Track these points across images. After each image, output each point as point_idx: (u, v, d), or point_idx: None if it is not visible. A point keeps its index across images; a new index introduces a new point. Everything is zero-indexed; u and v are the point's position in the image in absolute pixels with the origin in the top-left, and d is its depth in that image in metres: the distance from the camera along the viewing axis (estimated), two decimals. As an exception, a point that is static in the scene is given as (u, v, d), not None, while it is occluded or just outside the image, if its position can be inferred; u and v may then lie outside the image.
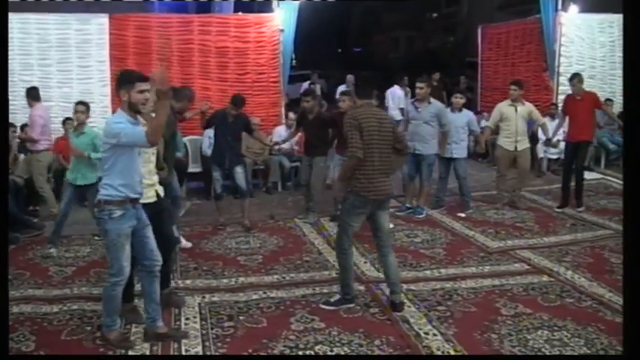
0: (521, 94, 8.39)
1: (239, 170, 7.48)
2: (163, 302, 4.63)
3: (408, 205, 8.24)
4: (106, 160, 4.13)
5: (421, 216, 8.00)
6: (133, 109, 4.15)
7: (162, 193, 4.90)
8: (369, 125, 4.78)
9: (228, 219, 7.80)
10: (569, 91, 8.54)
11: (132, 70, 4.39)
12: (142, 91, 4.11)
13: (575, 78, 8.24)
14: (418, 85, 7.96)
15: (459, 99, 8.33)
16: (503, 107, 8.40)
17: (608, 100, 10.53)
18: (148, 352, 4.29)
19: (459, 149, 8.21)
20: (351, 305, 5.02)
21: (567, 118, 8.47)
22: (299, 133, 8.61)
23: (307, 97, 7.93)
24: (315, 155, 7.81)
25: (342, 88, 12.34)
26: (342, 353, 4.25)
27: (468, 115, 8.41)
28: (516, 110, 8.26)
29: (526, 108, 8.35)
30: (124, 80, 4.19)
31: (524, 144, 8.38)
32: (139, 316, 4.73)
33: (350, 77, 12.71)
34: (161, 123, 3.95)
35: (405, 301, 5.12)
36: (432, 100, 7.99)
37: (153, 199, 4.70)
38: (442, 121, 7.89)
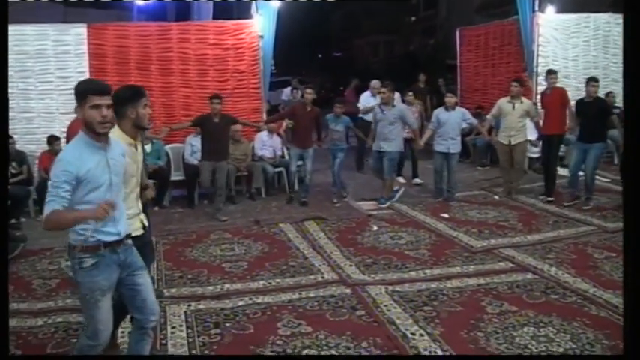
0: (522, 92, 8.84)
1: None
2: None
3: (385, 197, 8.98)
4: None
5: (384, 205, 8.70)
6: (91, 129, 3.28)
7: (146, 223, 4.07)
8: None
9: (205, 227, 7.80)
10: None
11: (89, 80, 3.77)
12: (96, 106, 3.23)
13: (551, 73, 8.90)
14: (381, 90, 8.74)
15: (450, 98, 8.95)
16: (503, 103, 8.91)
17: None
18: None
19: (454, 145, 8.84)
20: None
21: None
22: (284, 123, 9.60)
23: (309, 89, 9.11)
24: (307, 147, 8.87)
25: (366, 94, 12.11)
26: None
27: (461, 112, 9.03)
28: (514, 107, 8.70)
29: (524, 105, 8.75)
30: (76, 94, 3.31)
31: (519, 138, 8.78)
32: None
33: (375, 82, 12.37)
34: (58, 224, 3.18)
35: (391, 302, 5.15)
36: (395, 103, 8.87)
37: (140, 232, 3.94)
38: (407, 121, 8.79)
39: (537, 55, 11.07)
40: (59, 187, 3.12)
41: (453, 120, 8.77)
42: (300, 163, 9.13)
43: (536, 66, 11.04)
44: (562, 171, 10.41)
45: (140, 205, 4.01)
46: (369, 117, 10.58)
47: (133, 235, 3.76)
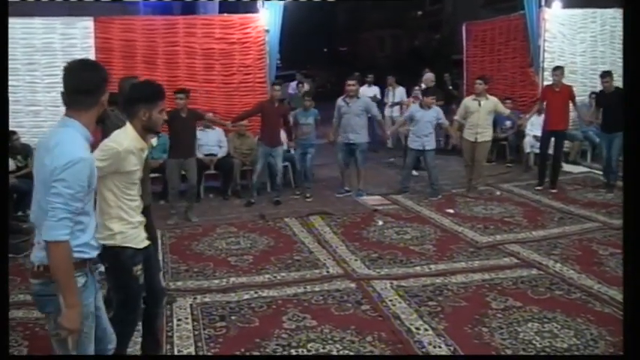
0: (486, 89, 8.94)
1: None
2: None
3: (346, 189, 9.27)
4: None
5: (362, 198, 8.93)
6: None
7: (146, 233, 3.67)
8: None
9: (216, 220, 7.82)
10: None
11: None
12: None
13: (559, 69, 9.02)
14: (349, 82, 9.02)
15: (429, 100, 9.05)
16: (468, 102, 9.05)
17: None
18: None
19: (428, 142, 8.94)
20: None
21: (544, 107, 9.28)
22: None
23: (277, 85, 8.87)
24: (277, 145, 8.71)
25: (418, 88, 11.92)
26: (335, 350, 4.27)
27: (436, 110, 9.09)
28: (480, 104, 8.81)
29: (490, 102, 8.87)
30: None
31: (485, 137, 8.90)
32: None
33: (429, 75, 12.19)
34: (59, 265, 2.60)
35: (396, 297, 5.17)
36: (359, 95, 9.21)
37: (146, 243, 3.60)
38: (371, 113, 9.14)
39: (544, 51, 11.04)
40: (79, 201, 2.65)
41: (427, 118, 8.91)
42: (304, 158, 9.16)
43: (543, 61, 11.00)
44: (567, 167, 10.45)
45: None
46: None
47: (140, 247, 3.52)
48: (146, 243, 3.59)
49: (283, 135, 9.17)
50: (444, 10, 36.93)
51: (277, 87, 8.86)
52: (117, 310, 3.54)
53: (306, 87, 15.05)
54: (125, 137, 3.39)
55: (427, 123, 8.90)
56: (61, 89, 2.86)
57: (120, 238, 3.40)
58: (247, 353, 4.26)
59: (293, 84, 16.79)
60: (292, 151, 9.67)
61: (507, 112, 9.37)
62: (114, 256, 3.39)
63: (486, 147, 9.02)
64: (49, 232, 2.57)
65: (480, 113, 8.78)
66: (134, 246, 3.47)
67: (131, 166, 3.40)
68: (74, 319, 2.67)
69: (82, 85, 2.75)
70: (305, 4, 15.46)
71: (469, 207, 8.31)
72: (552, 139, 9.13)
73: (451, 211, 8.10)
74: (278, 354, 4.24)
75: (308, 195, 9.05)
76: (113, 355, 3.41)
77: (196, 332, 4.58)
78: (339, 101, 9.09)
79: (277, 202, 8.71)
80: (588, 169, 10.52)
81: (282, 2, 9.83)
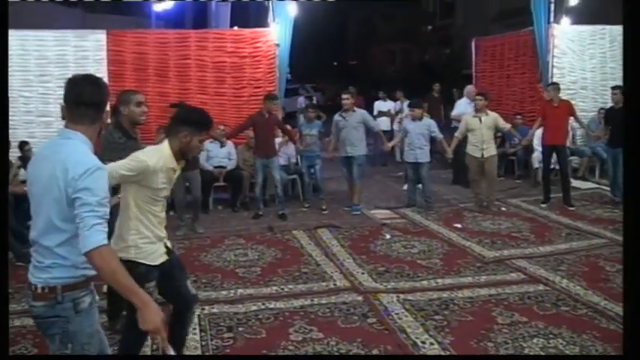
0: (486, 105, 8.99)
1: None
2: None
3: (354, 202, 9.13)
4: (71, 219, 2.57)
5: (357, 213, 8.91)
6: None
7: (169, 244, 3.75)
8: None
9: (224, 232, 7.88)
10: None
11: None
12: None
13: (553, 85, 9.22)
14: (344, 97, 9.13)
15: (414, 112, 9.19)
16: (469, 119, 9.06)
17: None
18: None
19: (422, 154, 9.02)
20: None
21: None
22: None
23: (273, 99, 8.74)
24: (272, 156, 8.71)
25: (463, 101, 11.70)
26: (341, 363, 4.30)
27: (427, 122, 9.16)
28: (480, 120, 8.85)
29: (490, 118, 8.91)
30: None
31: (491, 151, 8.91)
32: None
33: (470, 88, 12.16)
34: (113, 274, 2.53)
35: (402, 310, 5.20)
36: (355, 108, 9.15)
37: (164, 258, 3.62)
38: (369, 125, 9.22)
39: (552, 67, 11.08)
40: (105, 206, 2.56)
41: (418, 130, 8.98)
42: (311, 171, 9.21)
43: (552, 77, 11.04)
44: (575, 183, 10.46)
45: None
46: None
47: (156, 263, 3.52)
48: (163, 259, 3.58)
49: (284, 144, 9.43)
50: (454, 24, 37.03)
51: (275, 102, 8.81)
52: (131, 319, 3.53)
53: (315, 100, 15.20)
54: (157, 154, 3.43)
55: (419, 135, 8.96)
56: (61, 102, 2.79)
57: (134, 252, 3.43)
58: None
59: (301, 98, 16.97)
60: (300, 164, 9.73)
61: (508, 126, 9.35)
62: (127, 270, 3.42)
63: (494, 161, 9.02)
64: (85, 242, 2.48)
65: (483, 129, 8.81)
66: (148, 262, 3.48)
67: (158, 183, 3.43)
68: (151, 317, 2.58)
69: (88, 98, 2.69)
70: (316, 19, 15.62)
71: (476, 222, 8.33)
72: (554, 154, 9.16)
73: (459, 225, 8.11)
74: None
75: (324, 207, 9.09)
76: (116, 355, 3.47)
77: (204, 343, 4.62)
78: (336, 116, 9.14)
79: (282, 215, 8.67)
80: (596, 185, 10.51)
81: (292, 16, 9.89)
